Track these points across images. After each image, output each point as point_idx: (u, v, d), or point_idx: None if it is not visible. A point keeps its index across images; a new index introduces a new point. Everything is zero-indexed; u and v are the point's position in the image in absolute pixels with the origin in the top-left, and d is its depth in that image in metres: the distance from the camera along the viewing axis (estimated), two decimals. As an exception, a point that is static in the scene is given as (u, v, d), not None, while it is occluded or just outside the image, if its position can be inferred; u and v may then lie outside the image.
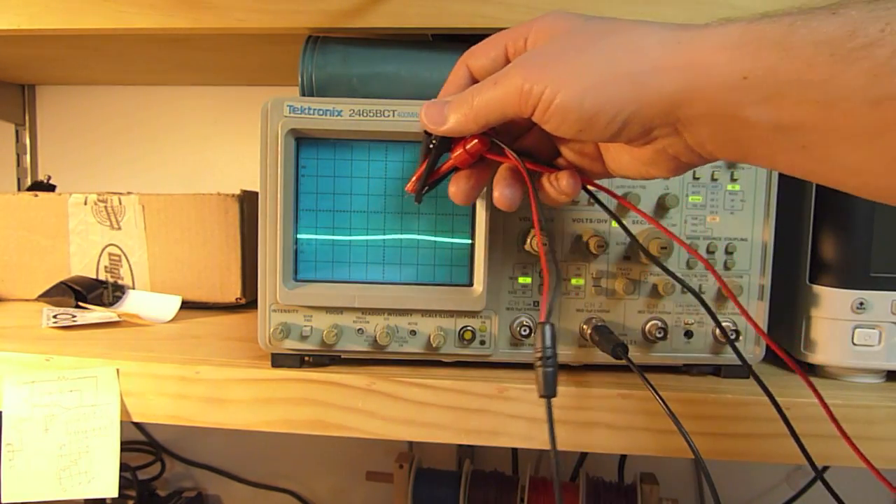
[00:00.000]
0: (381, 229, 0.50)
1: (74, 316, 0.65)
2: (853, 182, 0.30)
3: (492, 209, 0.47)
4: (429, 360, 0.51)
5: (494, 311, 0.50)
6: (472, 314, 0.50)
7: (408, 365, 0.51)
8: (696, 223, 0.50)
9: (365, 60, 0.55)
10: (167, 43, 0.73)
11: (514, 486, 0.76)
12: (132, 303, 0.72)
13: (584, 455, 0.87)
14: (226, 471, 1.01)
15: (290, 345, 0.50)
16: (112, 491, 0.52)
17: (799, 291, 0.52)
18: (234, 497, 1.02)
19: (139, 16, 0.57)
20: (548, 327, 0.38)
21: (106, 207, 0.73)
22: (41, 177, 0.92)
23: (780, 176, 0.49)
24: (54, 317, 0.64)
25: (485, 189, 0.46)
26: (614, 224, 0.49)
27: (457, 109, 0.37)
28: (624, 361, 0.46)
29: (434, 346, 0.49)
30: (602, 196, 0.43)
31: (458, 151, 0.39)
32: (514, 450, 0.89)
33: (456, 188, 0.41)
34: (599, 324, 0.50)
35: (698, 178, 0.49)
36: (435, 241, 0.50)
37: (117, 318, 0.65)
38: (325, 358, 0.51)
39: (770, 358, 0.52)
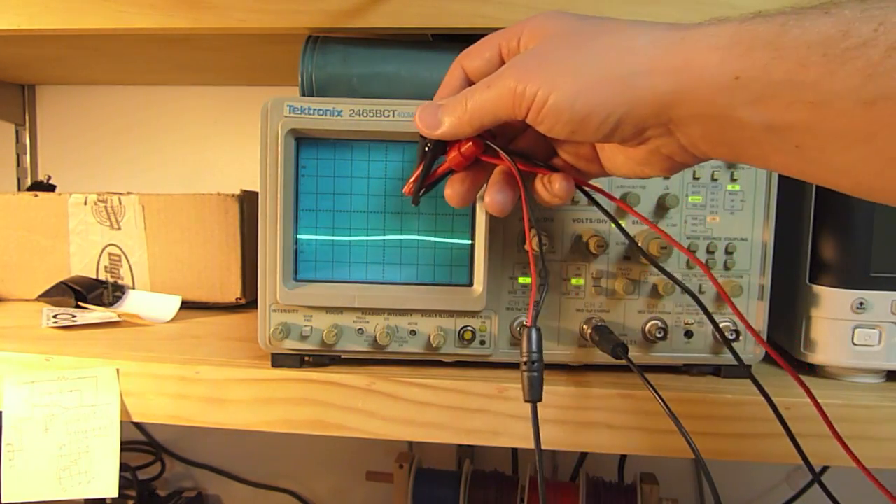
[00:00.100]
0: (381, 229, 0.50)
1: (74, 316, 0.65)
2: (847, 182, 0.30)
3: (492, 209, 0.47)
4: (429, 360, 0.51)
5: (494, 311, 0.50)
6: (472, 314, 0.50)
7: (408, 365, 0.51)
8: (696, 223, 0.50)
9: (365, 60, 0.55)
10: (167, 43, 0.73)
11: (514, 486, 0.76)
12: (132, 303, 0.72)
13: (584, 455, 0.87)
14: (226, 471, 1.01)
15: (290, 345, 0.50)
16: (112, 491, 0.52)
17: (799, 291, 0.52)
18: (234, 497, 1.02)
19: (139, 16, 0.57)
20: (534, 331, 0.38)
21: (106, 207, 0.73)
22: (41, 177, 0.92)
23: (780, 176, 0.49)
24: (54, 317, 0.64)
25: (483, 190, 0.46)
26: (622, 222, 0.49)
27: (451, 113, 0.37)
28: (624, 361, 0.46)
29: (434, 346, 0.49)
30: (601, 196, 0.43)
31: (453, 154, 0.39)
32: (514, 450, 0.89)
33: (451, 191, 0.41)
34: (599, 324, 0.50)
35: (698, 178, 0.49)
36: (435, 241, 0.50)
37: (117, 318, 0.65)
38: (325, 358, 0.51)
39: (769, 358, 0.52)
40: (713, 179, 0.49)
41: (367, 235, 0.50)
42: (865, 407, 0.46)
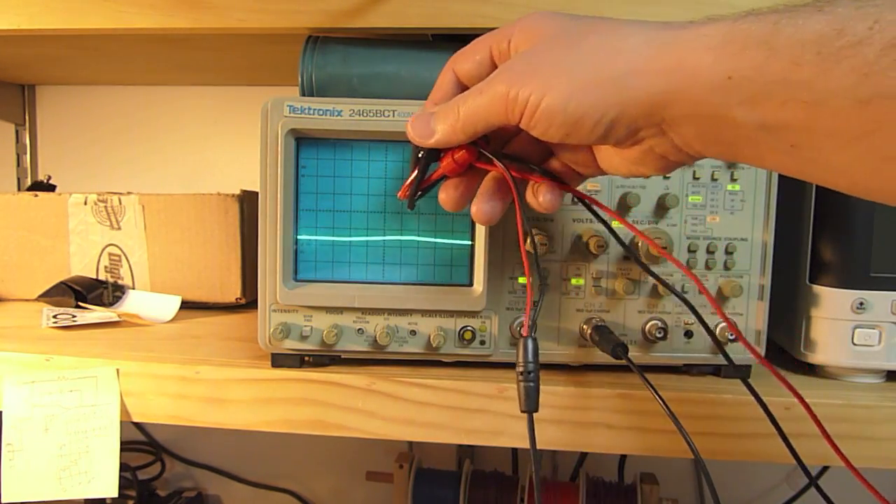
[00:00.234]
0: (381, 229, 0.50)
1: (74, 316, 0.65)
2: (843, 181, 0.30)
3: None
4: (429, 360, 0.51)
5: (494, 311, 0.50)
6: (472, 314, 0.50)
7: (408, 365, 0.51)
8: (696, 223, 0.50)
9: (365, 60, 0.55)
10: (167, 43, 0.73)
11: (514, 486, 0.76)
12: (132, 303, 0.72)
13: (584, 455, 0.87)
14: (226, 471, 1.01)
15: (290, 345, 0.50)
16: (112, 491, 0.52)
17: (799, 291, 0.52)
18: (234, 497, 1.02)
19: (139, 16, 0.57)
20: (530, 342, 0.38)
21: (106, 207, 0.73)
22: (41, 177, 0.92)
23: (780, 176, 0.49)
24: (54, 317, 0.64)
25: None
26: (614, 224, 0.49)
27: (443, 121, 0.37)
28: (624, 361, 0.46)
29: (434, 346, 0.49)
30: (600, 197, 0.43)
31: (447, 161, 0.39)
32: (514, 450, 0.89)
33: (446, 196, 0.41)
34: (599, 324, 0.50)
35: (698, 178, 0.49)
36: (435, 241, 0.50)
37: (117, 318, 0.65)
38: (325, 358, 0.51)
39: (770, 357, 0.52)
40: (713, 179, 0.49)
41: (367, 235, 0.50)
42: (865, 407, 0.46)
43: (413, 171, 0.40)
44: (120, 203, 0.72)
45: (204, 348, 0.56)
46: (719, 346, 0.46)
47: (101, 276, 0.74)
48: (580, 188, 0.44)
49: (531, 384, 0.38)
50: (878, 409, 0.46)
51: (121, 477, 0.53)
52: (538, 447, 0.48)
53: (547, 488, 0.75)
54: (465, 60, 0.39)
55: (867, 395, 0.48)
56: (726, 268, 0.50)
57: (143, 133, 1.03)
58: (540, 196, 0.38)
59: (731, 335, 0.49)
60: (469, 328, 0.50)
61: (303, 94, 0.55)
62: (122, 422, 0.52)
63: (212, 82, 0.99)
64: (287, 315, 0.50)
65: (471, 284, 0.50)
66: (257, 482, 1.01)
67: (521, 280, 0.50)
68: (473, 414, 0.49)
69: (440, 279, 0.50)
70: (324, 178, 0.49)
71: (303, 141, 0.49)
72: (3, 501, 0.51)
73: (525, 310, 0.39)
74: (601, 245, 0.48)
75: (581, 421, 0.48)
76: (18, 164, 1.04)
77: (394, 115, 0.47)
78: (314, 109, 0.47)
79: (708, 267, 0.50)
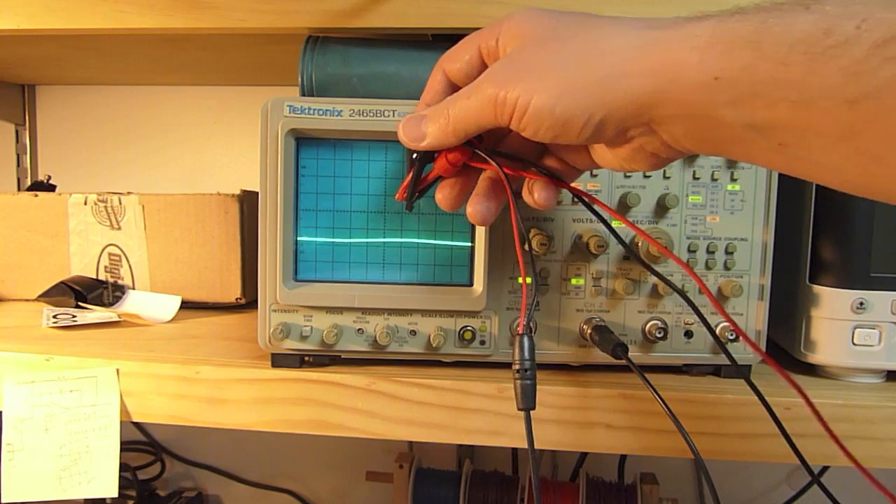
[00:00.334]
0: (381, 229, 0.50)
1: (74, 316, 0.65)
2: (832, 179, 0.30)
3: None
4: (429, 360, 0.51)
5: (494, 311, 0.50)
6: (472, 314, 0.50)
7: (408, 365, 0.51)
8: (696, 223, 0.50)
9: (365, 60, 0.55)
10: (167, 43, 0.73)
11: (515, 486, 0.76)
12: (132, 303, 0.72)
13: (584, 455, 0.87)
14: (226, 471, 1.01)
15: (290, 345, 0.50)
16: (112, 491, 0.52)
17: (799, 291, 0.52)
18: (234, 497, 1.02)
19: (139, 16, 0.57)
20: (526, 339, 0.38)
21: (106, 207, 0.73)
22: (41, 177, 0.92)
23: (781, 176, 0.49)
24: (54, 317, 0.64)
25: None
26: (615, 223, 0.49)
27: (433, 123, 0.37)
28: (624, 361, 0.46)
29: (434, 346, 0.49)
30: (600, 196, 0.43)
31: (441, 162, 0.39)
32: (514, 450, 0.89)
33: (442, 196, 0.41)
34: (599, 324, 0.50)
35: (698, 178, 0.49)
36: (435, 241, 0.50)
37: (117, 318, 0.65)
38: (325, 358, 0.51)
39: (770, 357, 0.52)
40: (713, 179, 0.49)
41: (367, 235, 0.50)
42: (865, 407, 0.46)
43: (409, 173, 0.40)
44: (120, 203, 0.72)
45: (204, 348, 0.56)
46: (721, 345, 0.46)
47: (101, 276, 0.74)
48: (580, 186, 0.44)
49: (528, 382, 0.37)
50: (878, 409, 0.46)
51: (121, 477, 0.53)
52: (538, 447, 0.48)
53: (547, 488, 0.75)
54: (453, 60, 0.39)
55: (867, 395, 0.48)
56: (726, 268, 0.50)
57: (143, 133, 1.03)
58: (536, 193, 0.38)
59: (732, 335, 0.49)
60: (469, 328, 0.50)
61: (303, 94, 0.55)
62: (122, 422, 0.52)
63: (212, 82, 0.99)
64: (287, 315, 0.50)
65: (471, 284, 0.50)
66: (257, 482, 1.01)
67: (525, 280, 0.50)
68: (473, 414, 0.49)
69: (440, 279, 0.50)
70: (324, 178, 0.49)
71: (303, 141, 0.49)
72: (3, 501, 0.51)
73: (522, 306, 0.39)
74: (601, 245, 0.48)
75: (581, 421, 0.48)
76: (18, 164, 1.04)
77: (394, 115, 0.47)
78: (314, 109, 0.47)
79: (708, 267, 0.50)
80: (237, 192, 0.71)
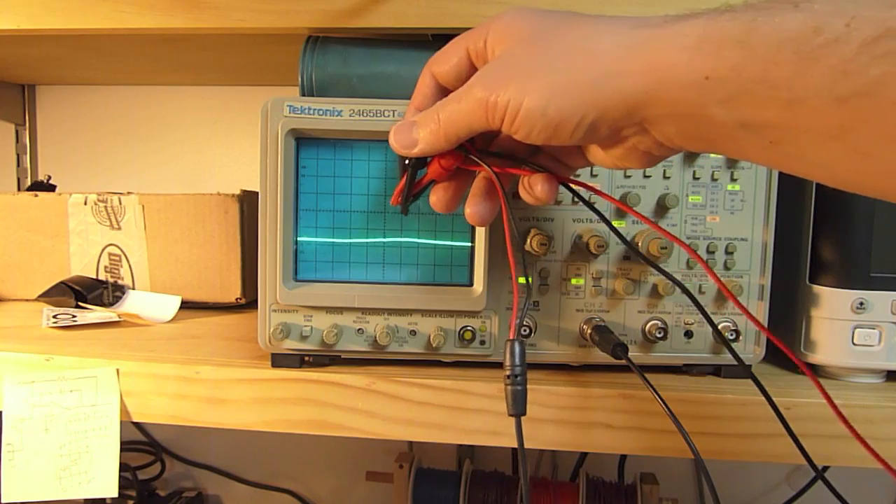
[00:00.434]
0: (381, 229, 0.50)
1: (74, 316, 0.65)
2: (824, 175, 0.30)
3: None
4: (429, 360, 0.51)
5: (494, 311, 0.50)
6: (472, 314, 0.50)
7: (408, 365, 0.51)
8: (696, 223, 0.50)
9: (365, 60, 0.55)
10: (167, 43, 0.73)
11: (515, 486, 0.76)
12: (132, 303, 0.72)
13: (584, 455, 0.87)
14: (226, 471, 1.01)
15: (290, 345, 0.50)
16: (112, 491, 0.52)
17: (799, 291, 0.52)
18: (234, 497, 1.02)
19: (139, 16, 0.57)
20: (517, 344, 0.38)
21: (106, 207, 0.73)
22: (41, 177, 0.92)
23: (781, 176, 0.49)
24: (54, 317, 0.64)
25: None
26: (616, 223, 0.49)
27: (424, 129, 0.37)
28: (624, 361, 0.46)
29: (434, 346, 0.49)
30: (597, 196, 0.43)
31: (434, 166, 0.39)
32: (514, 450, 0.89)
33: (436, 199, 0.41)
34: (599, 324, 0.50)
35: (698, 178, 0.49)
36: (435, 241, 0.50)
37: (117, 318, 0.65)
38: (325, 358, 0.51)
39: (770, 357, 0.52)
40: (713, 179, 0.49)
41: (367, 236, 0.50)
42: (865, 407, 0.46)
43: (402, 178, 0.40)
44: (120, 203, 0.72)
45: (204, 348, 0.56)
46: (726, 343, 0.46)
47: (101, 276, 0.74)
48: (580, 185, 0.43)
49: (518, 388, 0.37)
50: (878, 409, 0.46)
51: (121, 477, 0.53)
52: (539, 447, 0.48)
53: (547, 488, 0.75)
54: (442, 63, 0.39)
55: (867, 395, 0.48)
56: (726, 268, 0.50)
57: (143, 133, 1.03)
58: (537, 186, 0.38)
59: (732, 335, 0.49)
60: (469, 328, 0.50)
61: (303, 94, 0.55)
62: (122, 422, 0.52)
63: (212, 82, 0.99)
64: (287, 315, 0.50)
65: (471, 284, 0.50)
66: (257, 482, 1.01)
67: (521, 280, 0.50)
68: (473, 414, 0.49)
69: (440, 279, 0.50)
70: (324, 178, 0.49)
71: (303, 141, 0.49)
72: (3, 501, 0.51)
73: (514, 311, 0.39)
74: (601, 245, 0.48)
75: (581, 421, 0.48)
76: (18, 164, 1.04)
77: (394, 116, 0.47)
78: (314, 109, 0.47)
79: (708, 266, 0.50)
80: (237, 192, 0.71)
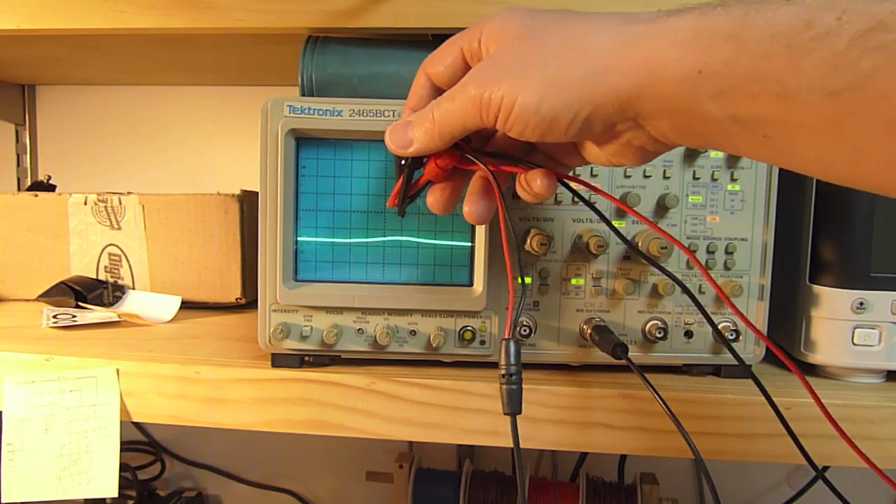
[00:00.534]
0: (381, 229, 0.50)
1: (74, 316, 0.65)
2: (817, 169, 0.30)
3: (492, 209, 0.47)
4: (429, 360, 0.51)
5: (494, 311, 0.50)
6: (472, 314, 0.50)
7: (408, 365, 0.51)
8: (696, 223, 0.50)
9: (365, 60, 0.55)
10: (167, 43, 0.73)
11: (515, 485, 0.76)
12: (132, 303, 0.72)
13: (584, 455, 0.87)
14: (226, 471, 1.01)
15: (290, 345, 0.50)
16: (112, 491, 0.52)
17: (799, 291, 0.52)
18: (234, 497, 1.02)
19: (139, 16, 0.57)
20: (512, 344, 0.38)
21: (106, 207, 0.73)
22: (41, 177, 0.92)
23: (780, 175, 0.49)
24: (54, 317, 0.64)
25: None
26: (616, 223, 0.49)
27: (419, 129, 0.37)
28: (624, 361, 0.46)
29: (434, 346, 0.49)
30: (597, 196, 0.43)
31: (430, 166, 0.39)
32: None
33: (433, 199, 0.41)
34: (599, 324, 0.50)
35: (698, 178, 0.49)
36: (435, 241, 0.50)
37: (117, 318, 0.65)
38: (325, 358, 0.51)
39: (770, 357, 0.52)
40: (713, 179, 0.49)
41: (367, 235, 0.50)
42: (865, 407, 0.46)
43: (399, 179, 0.40)
44: (120, 203, 0.72)
45: (204, 348, 0.56)
46: (726, 343, 0.46)
47: (101, 276, 0.74)
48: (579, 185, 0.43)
49: (514, 387, 0.37)
50: (878, 409, 0.46)
51: (121, 477, 0.53)
52: (539, 447, 0.48)
53: (547, 488, 0.75)
54: (436, 63, 0.39)
55: (867, 395, 0.48)
56: (726, 268, 0.50)
57: (143, 133, 1.03)
58: (535, 182, 0.38)
59: (732, 335, 0.49)
60: (469, 328, 0.50)
61: (303, 94, 0.55)
62: (122, 422, 0.52)
63: (212, 82, 0.99)
64: (287, 315, 0.50)
65: (471, 284, 0.50)
66: (257, 482, 1.01)
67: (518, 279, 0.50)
68: (473, 414, 0.49)
69: (440, 279, 0.50)
70: (324, 178, 0.49)
71: (303, 141, 0.49)
72: (3, 501, 0.51)
73: (510, 310, 0.39)
74: (601, 245, 0.48)
75: (581, 421, 0.48)
76: (18, 164, 1.04)
77: (394, 116, 0.47)
78: (314, 109, 0.47)
79: (708, 267, 0.50)
80: (237, 192, 0.71)
